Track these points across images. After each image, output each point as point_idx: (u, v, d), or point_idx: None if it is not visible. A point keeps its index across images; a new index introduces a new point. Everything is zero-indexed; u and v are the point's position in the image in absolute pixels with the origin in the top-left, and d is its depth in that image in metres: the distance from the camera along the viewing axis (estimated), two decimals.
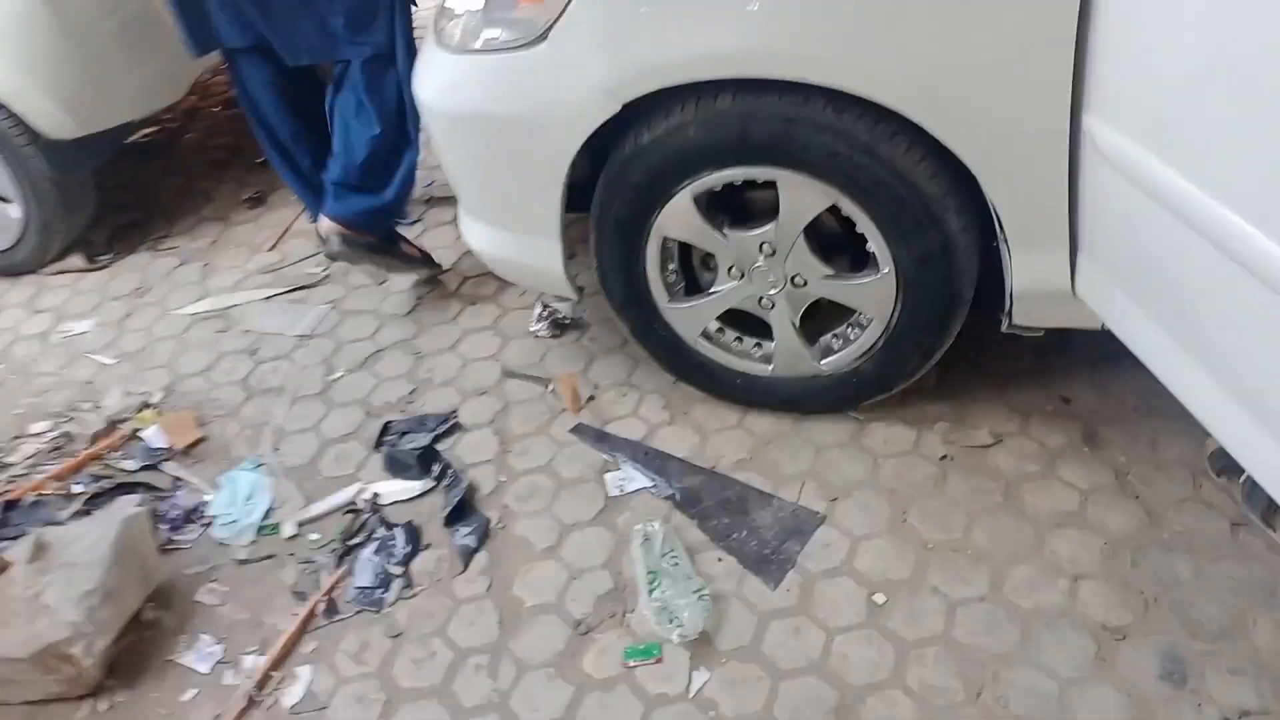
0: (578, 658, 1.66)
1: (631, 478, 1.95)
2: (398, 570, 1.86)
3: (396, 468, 2.07)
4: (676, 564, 1.74)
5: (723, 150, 1.68)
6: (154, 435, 2.25)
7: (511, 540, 1.88)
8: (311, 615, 1.81)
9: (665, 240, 1.86)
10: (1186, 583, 1.58)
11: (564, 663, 1.66)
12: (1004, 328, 1.77)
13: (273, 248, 2.92)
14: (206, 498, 2.09)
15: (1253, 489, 1.64)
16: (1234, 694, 1.44)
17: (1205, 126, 1.22)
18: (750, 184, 1.75)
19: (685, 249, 1.92)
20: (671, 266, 1.92)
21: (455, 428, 2.15)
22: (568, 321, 2.37)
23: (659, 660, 1.62)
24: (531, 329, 2.37)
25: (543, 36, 1.69)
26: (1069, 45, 1.39)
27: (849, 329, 1.89)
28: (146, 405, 2.36)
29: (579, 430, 2.09)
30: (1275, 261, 1.13)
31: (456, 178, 2.05)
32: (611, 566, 1.79)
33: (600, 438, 2.06)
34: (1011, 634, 1.57)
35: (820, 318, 1.91)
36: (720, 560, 1.76)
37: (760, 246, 1.80)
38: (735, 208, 1.83)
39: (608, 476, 1.96)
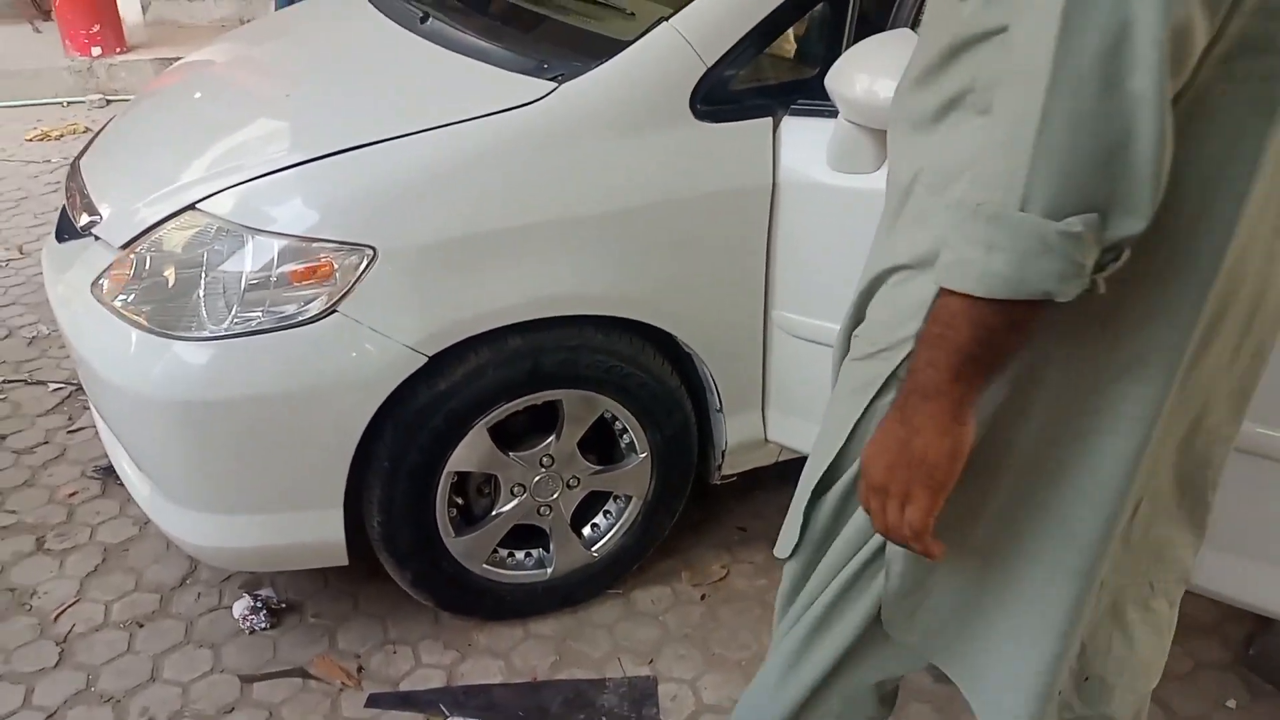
0: None
1: None
2: None
3: None
4: None
5: (517, 383, 1.92)
6: None
7: None
8: None
9: (452, 476, 1.97)
10: None
11: None
12: (715, 480, 2.28)
13: None
14: None
15: None
16: None
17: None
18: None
19: (461, 480, 2.04)
20: (457, 501, 2.02)
21: None
22: (283, 605, 2.19)
23: None
24: (243, 627, 2.13)
25: (330, 310, 1.75)
26: (761, 268, 2.01)
27: (603, 514, 2.20)
28: None
29: (376, 701, 1.98)
30: None
31: (186, 472, 1.87)
32: None
33: (404, 700, 1.99)
34: None
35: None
36: None
37: (541, 460, 2.03)
38: (503, 428, 2.04)
39: None
